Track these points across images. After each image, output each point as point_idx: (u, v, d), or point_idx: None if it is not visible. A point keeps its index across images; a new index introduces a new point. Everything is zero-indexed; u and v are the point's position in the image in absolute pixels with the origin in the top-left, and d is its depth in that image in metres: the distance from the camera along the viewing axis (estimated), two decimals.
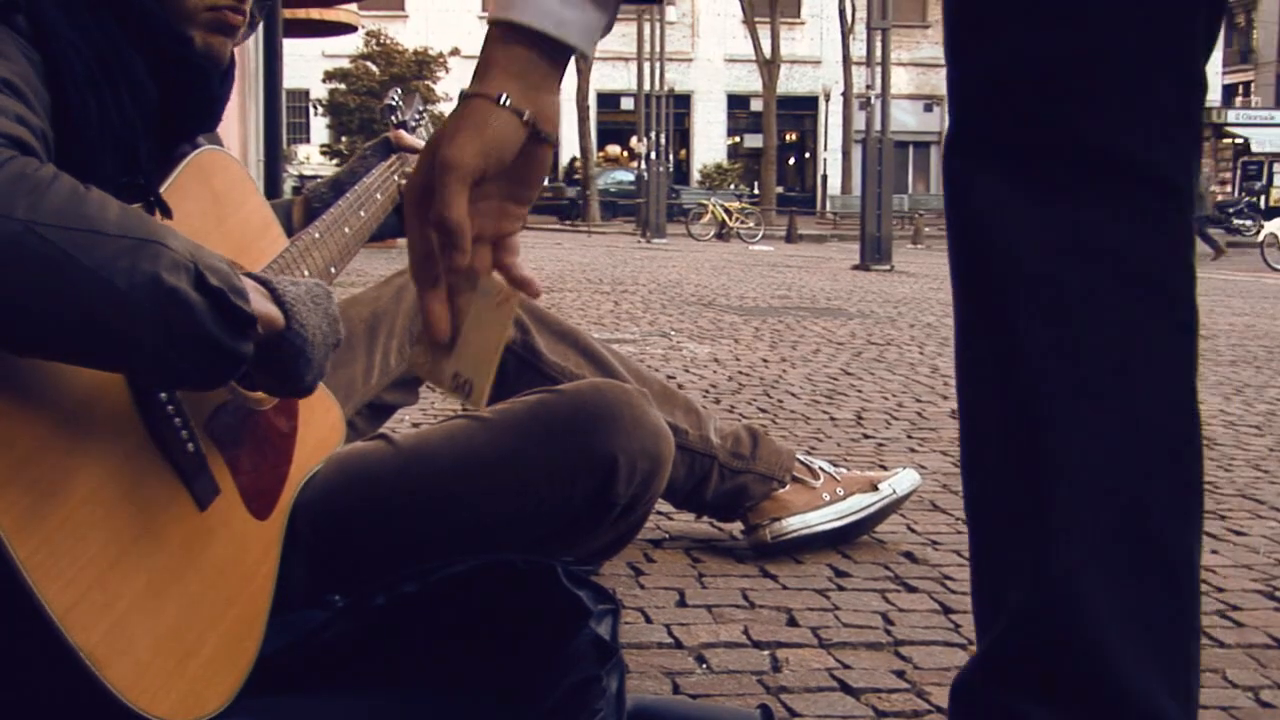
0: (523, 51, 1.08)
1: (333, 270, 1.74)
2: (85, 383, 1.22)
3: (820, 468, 2.51)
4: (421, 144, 2.02)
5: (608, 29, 1.13)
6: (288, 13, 12.61)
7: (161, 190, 1.43)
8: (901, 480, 2.55)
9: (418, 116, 2.23)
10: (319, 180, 2.17)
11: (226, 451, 1.42)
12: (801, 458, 2.51)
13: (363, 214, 1.88)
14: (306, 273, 1.65)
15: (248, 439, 1.48)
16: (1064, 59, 1.09)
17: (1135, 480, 1.10)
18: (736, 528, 2.55)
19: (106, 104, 1.41)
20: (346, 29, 15.18)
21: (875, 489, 2.52)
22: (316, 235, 1.72)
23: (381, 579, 1.67)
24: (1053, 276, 1.10)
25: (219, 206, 1.56)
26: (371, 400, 2.18)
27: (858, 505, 2.50)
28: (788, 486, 2.45)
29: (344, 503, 1.69)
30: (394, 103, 2.21)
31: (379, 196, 1.95)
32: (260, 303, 1.28)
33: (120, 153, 1.42)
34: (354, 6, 14.43)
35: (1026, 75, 1.10)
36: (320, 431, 1.68)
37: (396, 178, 2.02)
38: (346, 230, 1.81)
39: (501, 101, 1.08)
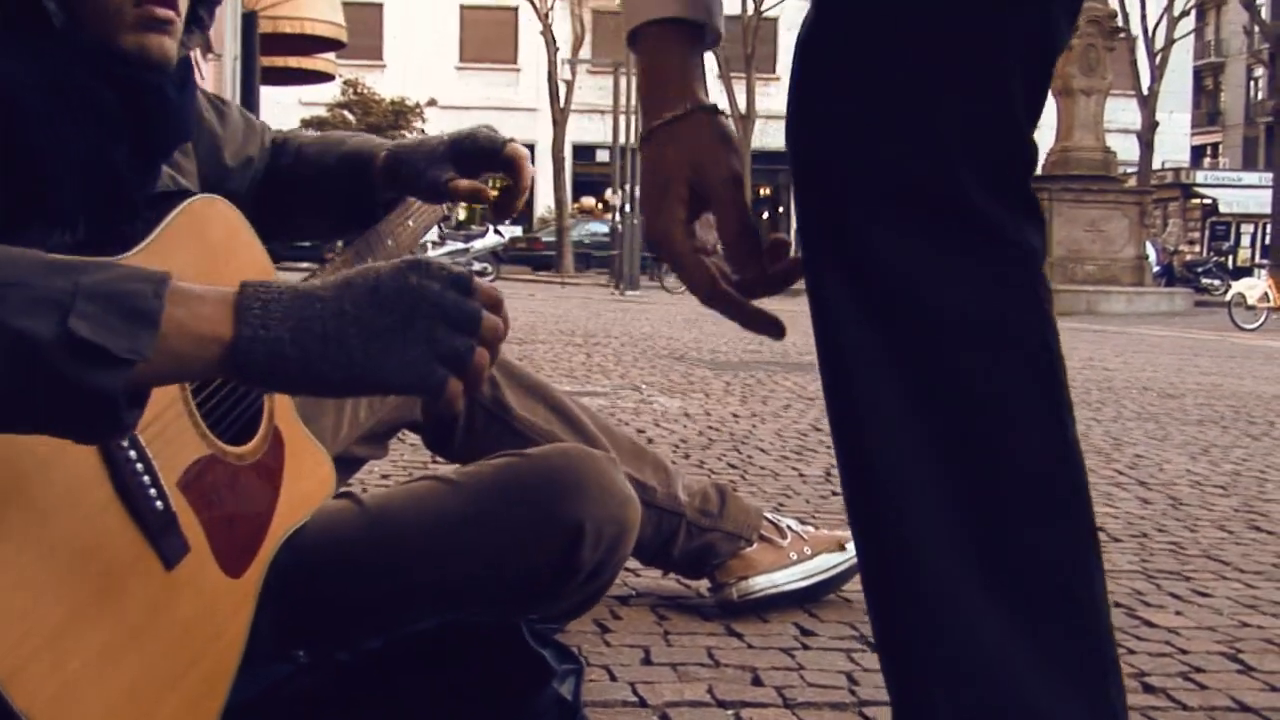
0: (684, 47, 1.09)
1: None
2: (49, 440, 1.21)
3: (788, 526, 2.51)
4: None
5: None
6: (265, 60, 12.62)
7: (151, 238, 1.39)
8: None
9: None
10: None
11: (200, 508, 1.41)
12: (769, 516, 2.52)
13: (371, 263, 1.86)
14: None
15: (225, 495, 1.47)
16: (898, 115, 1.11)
17: (1022, 530, 1.11)
18: (704, 585, 2.55)
19: (66, 136, 1.37)
20: (324, 78, 15.19)
21: (843, 548, 2.52)
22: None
23: (345, 636, 1.67)
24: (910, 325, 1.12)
25: (212, 257, 1.53)
26: (340, 454, 2.18)
27: (825, 565, 2.50)
28: (755, 545, 2.45)
29: (309, 560, 1.69)
30: None
31: (389, 243, 1.94)
32: (190, 320, 1.14)
33: (96, 182, 1.40)
34: (332, 55, 14.44)
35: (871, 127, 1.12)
36: (308, 486, 1.66)
37: (411, 222, 2.01)
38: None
39: (715, 110, 1.10)
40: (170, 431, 1.38)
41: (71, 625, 1.21)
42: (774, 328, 1.23)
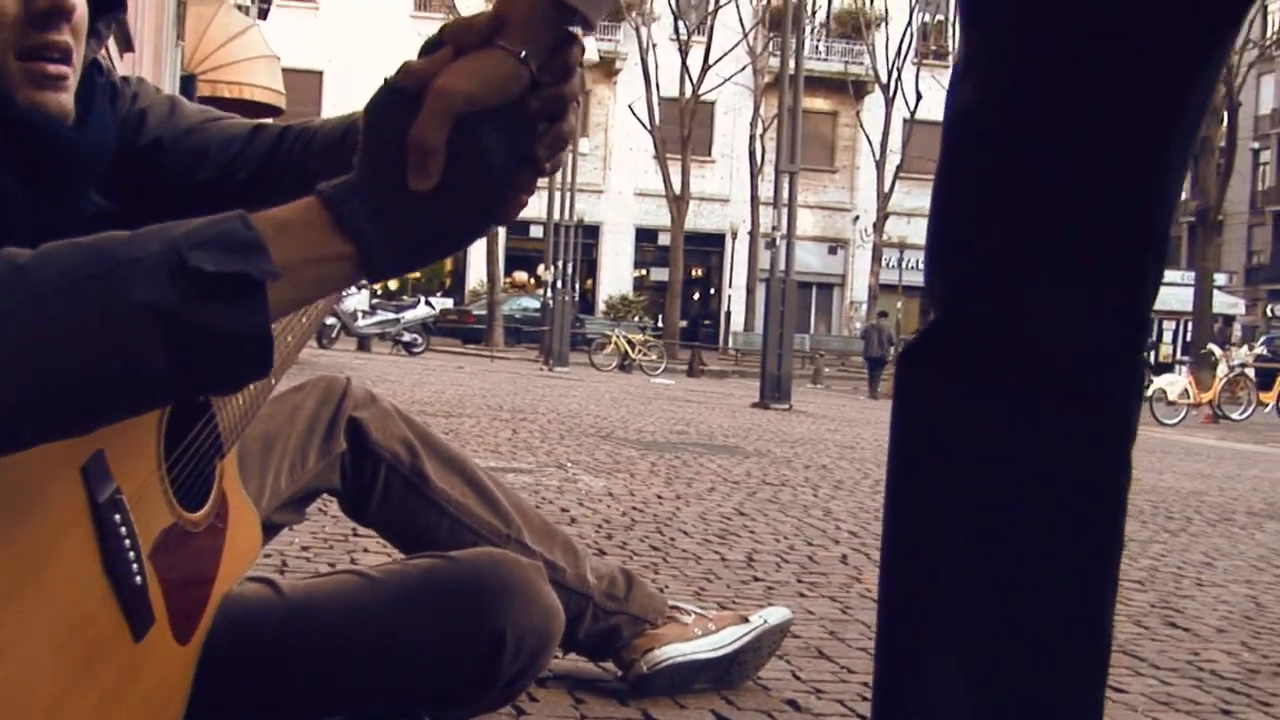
0: (540, 5, 1.09)
1: (273, 381, 1.72)
2: (52, 515, 1.21)
3: (691, 610, 2.52)
4: None
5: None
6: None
7: None
8: (772, 613, 2.58)
9: None
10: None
11: (164, 576, 1.39)
12: (672, 603, 2.52)
13: (304, 320, 1.84)
14: (250, 387, 1.61)
15: (183, 562, 1.46)
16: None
17: (1037, 691, 1.17)
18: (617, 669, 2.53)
19: None
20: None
21: (746, 621, 2.54)
22: None
23: None
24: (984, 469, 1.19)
25: None
26: (262, 521, 2.16)
27: (731, 637, 2.51)
28: (660, 626, 2.45)
29: (222, 647, 1.66)
30: None
31: (320, 303, 1.91)
32: (294, 239, 1.09)
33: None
34: (270, 121, 14.45)
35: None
36: (241, 547, 1.64)
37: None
38: (289, 339, 1.79)
39: (522, 57, 1.08)
40: (147, 502, 1.37)
41: (65, 700, 1.22)
42: None
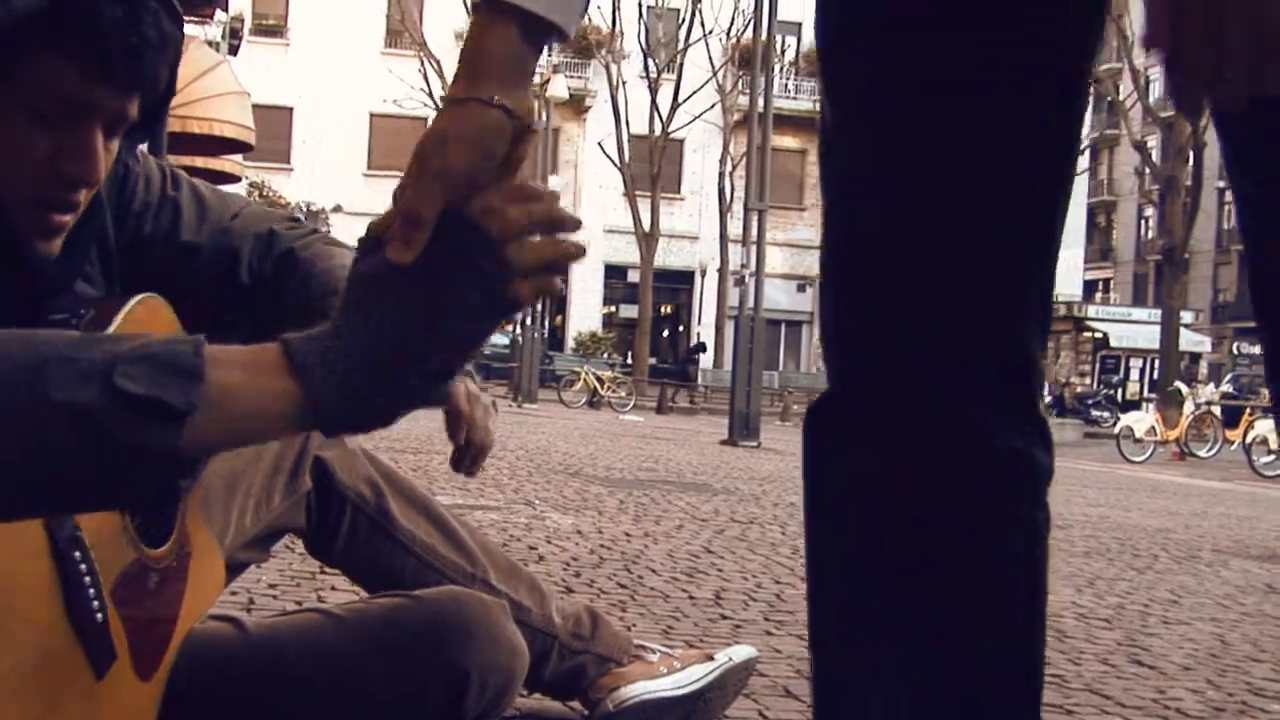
0: (512, 36, 1.08)
1: None
2: (11, 554, 1.20)
3: (657, 648, 2.52)
4: None
5: (583, 11, 1.14)
6: (172, 159, 12.58)
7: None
8: (738, 651, 2.58)
9: None
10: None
11: (126, 614, 1.39)
12: (638, 642, 2.52)
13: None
14: None
15: (145, 599, 1.46)
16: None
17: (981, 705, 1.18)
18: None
19: None
20: (230, 179, 15.13)
21: (712, 659, 2.53)
22: None
23: None
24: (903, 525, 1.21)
25: None
26: (226, 559, 2.15)
27: (696, 674, 2.50)
28: (625, 665, 2.45)
29: (185, 685, 1.65)
30: (300, 218, 2.16)
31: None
32: (243, 378, 1.09)
33: None
34: (239, 157, 14.43)
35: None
36: (204, 584, 1.65)
37: None
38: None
39: (494, 103, 1.08)
40: (108, 540, 1.37)
41: None
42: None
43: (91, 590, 1.30)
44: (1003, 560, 1.20)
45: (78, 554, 1.28)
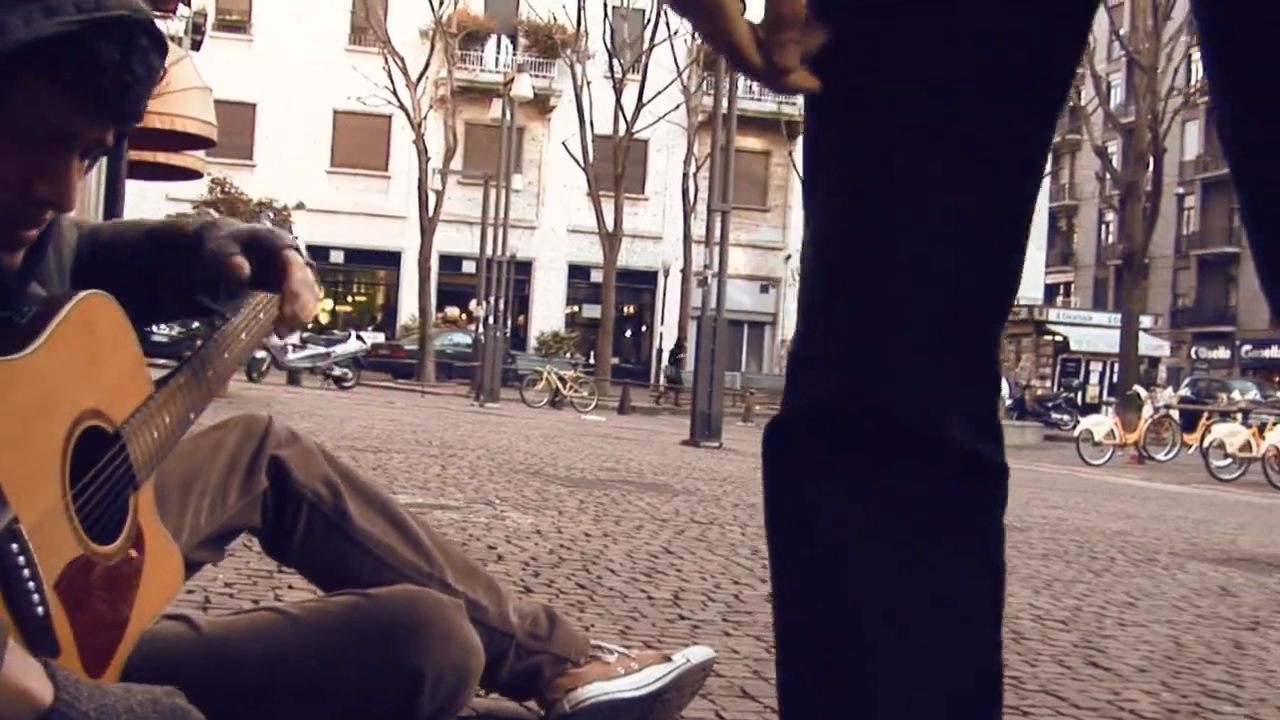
0: None
1: (192, 416, 1.71)
2: None
3: (614, 649, 2.52)
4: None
5: None
6: (134, 154, 12.51)
7: (44, 335, 1.38)
8: (695, 652, 2.58)
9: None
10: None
11: (71, 608, 1.38)
12: (595, 642, 2.52)
13: (226, 356, 1.84)
14: (167, 420, 1.61)
15: (94, 595, 1.44)
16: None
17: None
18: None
19: None
20: (192, 174, 15.07)
21: (669, 660, 2.54)
22: (182, 381, 1.69)
23: None
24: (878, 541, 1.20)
25: (95, 354, 1.51)
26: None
27: (653, 676, 2.50)
28: (582, 665, 2.45)
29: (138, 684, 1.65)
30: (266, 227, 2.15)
31: (244, 337, 1.91)
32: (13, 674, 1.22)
33: None
34: (202, 153, 14.36)
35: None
36: (162, 578, 1.63)
37: (262, 315, 1.98)
38: (210, 374, 1.78)
39: None
40: (51, 533, 1.36)
41: None
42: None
43: (31, 583, 1.29)
44: (985, 566, 1.21)
45: (15, 546, 1.27)
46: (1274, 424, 19.87)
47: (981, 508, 1.21)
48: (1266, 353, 55.20)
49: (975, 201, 1.17)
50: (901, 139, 1.15)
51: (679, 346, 41.08)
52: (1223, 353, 55.92)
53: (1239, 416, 22.26)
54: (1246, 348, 56.05)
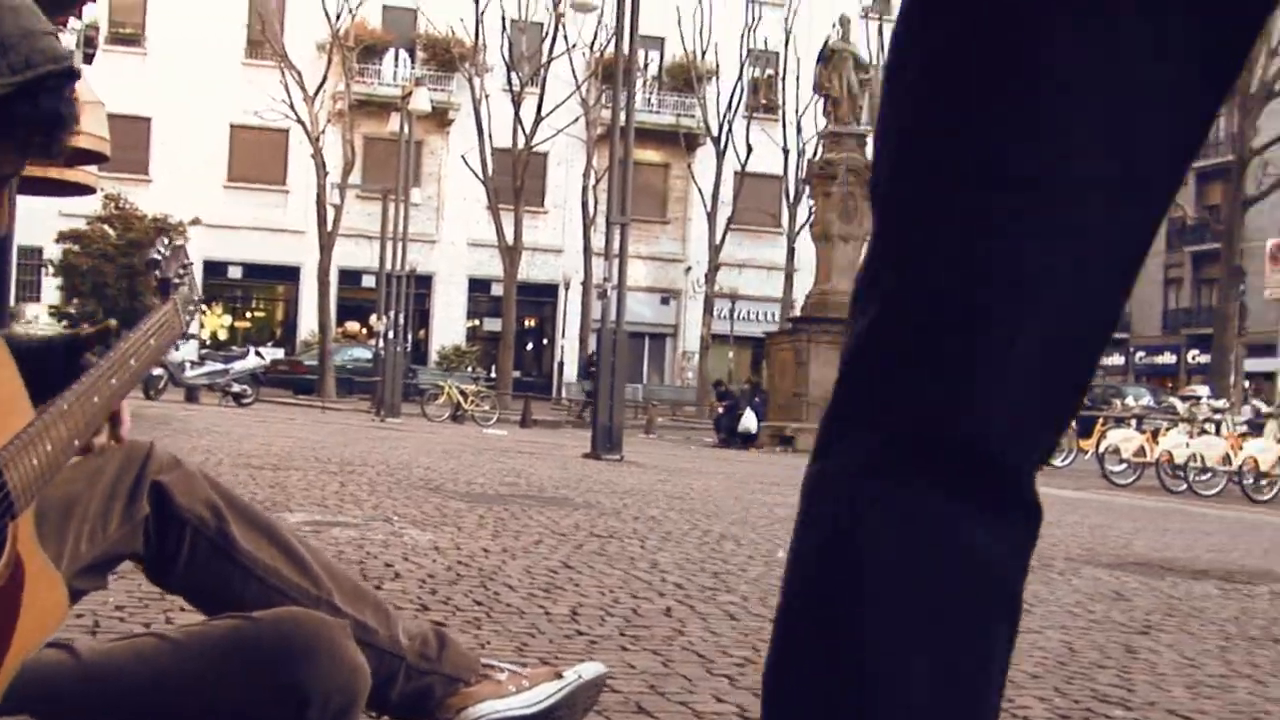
0: None
1: (76, 443, 1.68)
2: None
3: (505, 666, 2.52)
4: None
5: None
6: (25, 168, 12.29)
7: None
8: (587, 668, 2.58)
9: (181, 272, 2.15)
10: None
11: None
12: (486, 660, 2.51)
13: (114, 382, 1.81)
14: (49, 447, 1.59)
15: None
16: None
17: None
18: None
19: None
20: (85, 190, 14.84)
21: (561, 677, 2.53)
22: (65, 406, 1.66)
23: None
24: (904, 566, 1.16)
25: None
26: None
27: (545, 693, 2.50)
28: (473, 684, 2.44)
29: (16, 713, 1.62)
30: (159, 256, 2.12)
31: (133, 362, 1.88)
32: None
33: None
34: (94, 168, 14.15)
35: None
36: (44, 607, 1.60)
37: (154, 341, 1.95)
38: (95, 400, 1.75)
39: None
40: None
41: None
42: None
43: None
44: (1015, 613, 1.19)
45: None
46: (1167, 429, 20.22)
47: (1028, 549, 1.19)
48: (1159, 359, 56.21)
49: (1119, 237, 1.12)
50: (1057, 165, 1.09)
51: (591, 360, 41.16)
52: (1117, 359, 56.82)
53: (1133, 422, 22.57)
54: (1140, 354, 57.02)
